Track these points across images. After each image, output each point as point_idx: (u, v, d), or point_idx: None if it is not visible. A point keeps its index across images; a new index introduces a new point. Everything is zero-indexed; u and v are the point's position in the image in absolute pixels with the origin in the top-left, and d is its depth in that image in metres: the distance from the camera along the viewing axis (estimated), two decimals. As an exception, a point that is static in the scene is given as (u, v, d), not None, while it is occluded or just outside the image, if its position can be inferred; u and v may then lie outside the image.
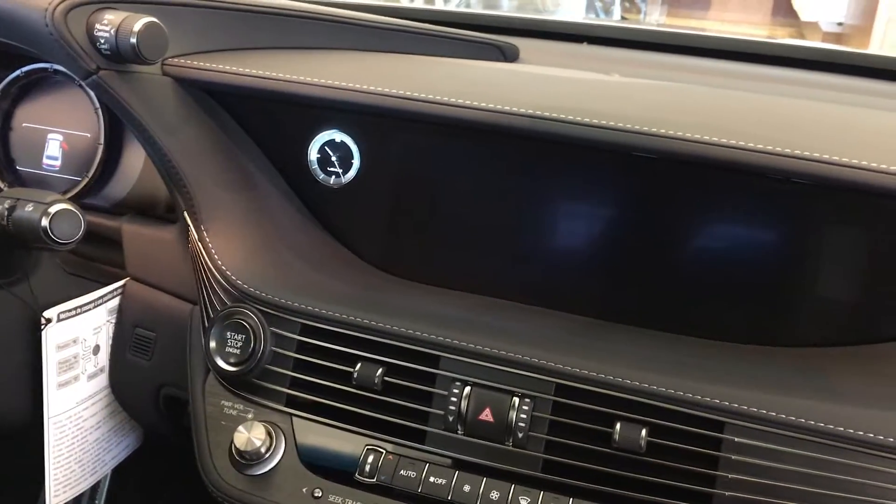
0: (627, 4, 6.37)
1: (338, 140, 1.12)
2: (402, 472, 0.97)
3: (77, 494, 1.22)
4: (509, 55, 1.40)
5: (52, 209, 0.97)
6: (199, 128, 1.07)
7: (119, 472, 1.40)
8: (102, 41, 0.93)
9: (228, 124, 1.12)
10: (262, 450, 1.00)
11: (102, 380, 1.22)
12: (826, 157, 0.86)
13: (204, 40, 1.08)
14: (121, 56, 0.94)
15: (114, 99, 0.99)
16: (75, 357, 1.15)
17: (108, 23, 0.93)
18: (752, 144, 0.88)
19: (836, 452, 0.88)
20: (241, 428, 1.00)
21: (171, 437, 1.28)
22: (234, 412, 1.05)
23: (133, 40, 0.92)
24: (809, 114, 1.05)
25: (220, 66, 1.05)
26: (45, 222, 0.96)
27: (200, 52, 1.07)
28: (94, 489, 1.63)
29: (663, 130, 0.90)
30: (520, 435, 0.95)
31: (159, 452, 1.44)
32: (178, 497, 1.77)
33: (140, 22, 0.92)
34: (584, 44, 1.53)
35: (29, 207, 0.97)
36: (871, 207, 0.95)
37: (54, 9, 0.91)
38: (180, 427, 1.23)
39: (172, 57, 1.04)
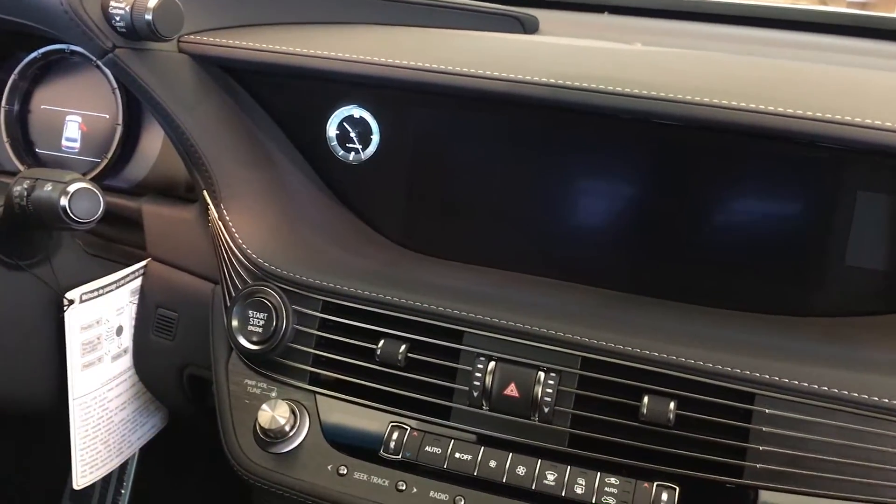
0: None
1: (357, 116, 1.10)
2: (427, 448, 0.96)
3: (104, 475, 1.22)
4: (529, 27, 1.38)
5: (71, 188, 0.96)
6: (217, 105, 1.06)
7: (147, 452, 1.41)
8: (118, 19, 0.92)
9: (246, 101, 1.11)
10: (287, 428, 0.99)
11: (126, 361, 1.22)
12: (857, 119, 0.84)
13: (220, 16, 1.07)
14: (136, 33, 0.93)
15: (130, 77, 0.98)
16: (98, 338, 1.15)
17: (123, 0, 0.92)
18: (778, 109, 0.86)
19: (869, 422, 0.86)
20: (264, 406, 0.99)
21: (196, 416, 1.28)
22: (258, 391, 1.04)
23: (148, 17, 0.91)
24: (835, 78, 1.02)
25: (237, 42, 1.04)
26: (63, 201, 0.96)
27: (217, 29, 1.06)
28: (123, 468, 1.64)
29: (688, 97, 0.88)
30: (546, 410, 0.93)
31: (187, 432, 1.45)
32: (206, 476, 1.78)
33: None
34: (605, 14, 1.51)
35: (48, 187, 0.97)
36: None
37: (69, -13, 0.91)
38: (205, 407, 1.23)
39: (188, 34, 1.03)
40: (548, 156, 1.05)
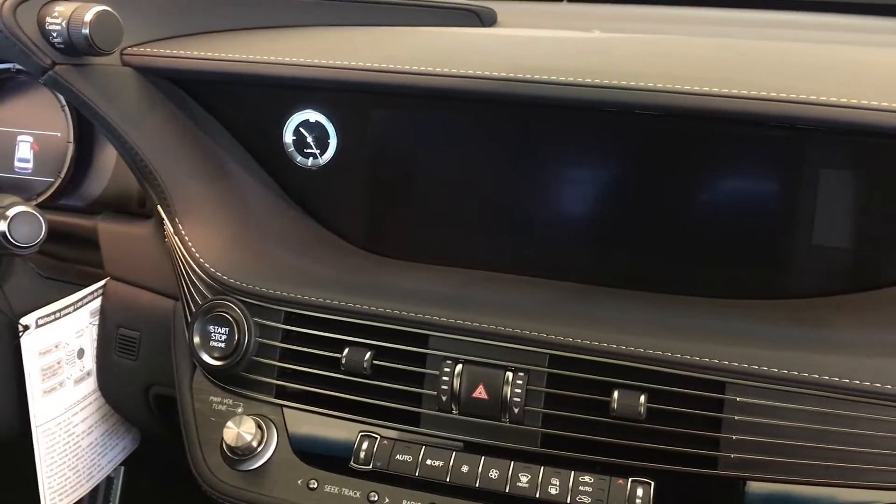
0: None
1: (312, 120, 1.08)
2: (397, 456, 0.95)
3: (75, 500, 1.19)
4: (486, 20, 1.36)
5: (10, 212, 0.94)
6: (166, 117, 1.04)
7: (133, 467, 1.38)
8: (55, 34, 0.90)
9: (196, 112, 1.08)
10: (254, 444, 0.97)
11: (90, 384, 1.20)
12: (812, 98, 0.82)
13: (163, 26, 1.04)
14: (75, 49, 0.90)
15: (73, 94, 0.95)
16: (59, 363, 1.12)
17: (59, 15, 0.89)
18: (733, 91, 0.83)
19: (841, 405, 0.85)
20: (230, 423, 0.97)
21: (166, 436, 1.26)
22: (224, 407, 1.02)
23: (85, 31, 0.88)
24: (793, 55, 1.01)
25: (183, 52, 1.01)
26: (3, 227, 0.93)
27: (160, 39, 1.03)
28: (109, 485, 1.61)
29: (641, 83, 0.86)
30: (516, 410, 0.92)
31: (171, 445, 1.42)
32: (194, 489, 1.75)
33: (91, 11, 0.88)
34: (564, 2, 1.49)
35: None
36: (868, 148, 0.91)
37: (2, 4, 0.88)
38: (174, 425, 1.20)
39: (131, 46, 1.00)
40: (509, 149, 1.03)
